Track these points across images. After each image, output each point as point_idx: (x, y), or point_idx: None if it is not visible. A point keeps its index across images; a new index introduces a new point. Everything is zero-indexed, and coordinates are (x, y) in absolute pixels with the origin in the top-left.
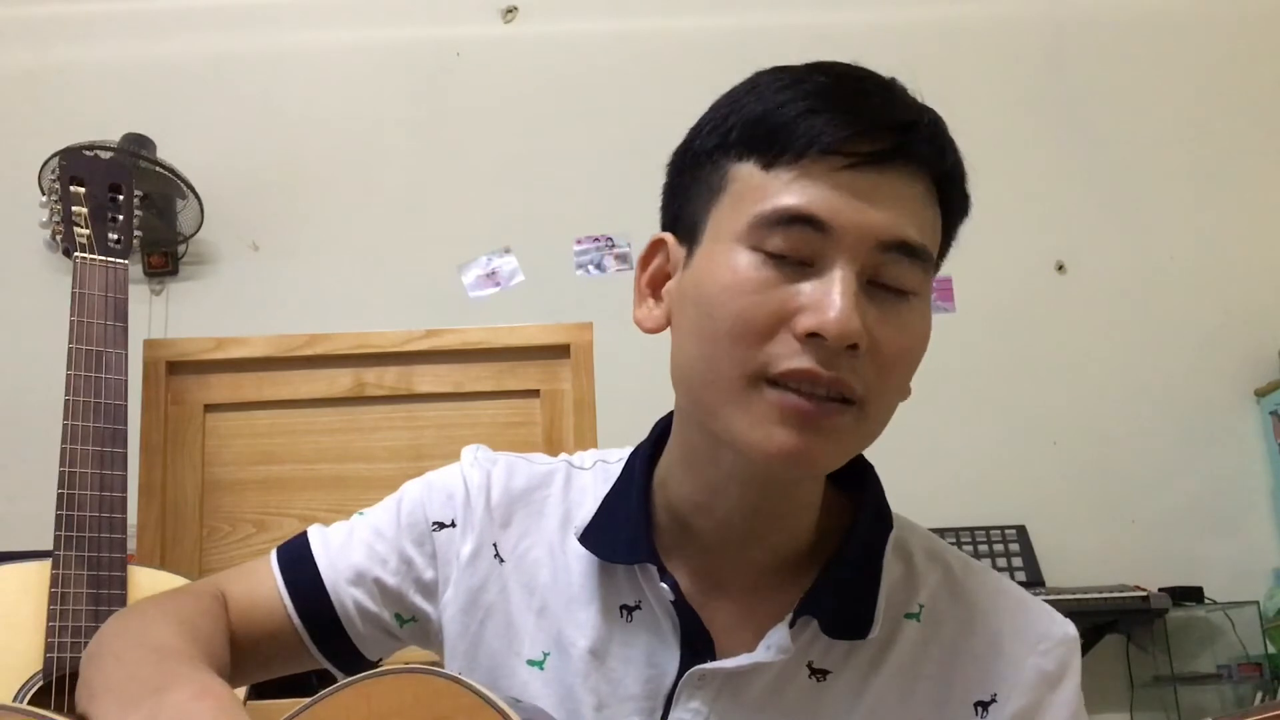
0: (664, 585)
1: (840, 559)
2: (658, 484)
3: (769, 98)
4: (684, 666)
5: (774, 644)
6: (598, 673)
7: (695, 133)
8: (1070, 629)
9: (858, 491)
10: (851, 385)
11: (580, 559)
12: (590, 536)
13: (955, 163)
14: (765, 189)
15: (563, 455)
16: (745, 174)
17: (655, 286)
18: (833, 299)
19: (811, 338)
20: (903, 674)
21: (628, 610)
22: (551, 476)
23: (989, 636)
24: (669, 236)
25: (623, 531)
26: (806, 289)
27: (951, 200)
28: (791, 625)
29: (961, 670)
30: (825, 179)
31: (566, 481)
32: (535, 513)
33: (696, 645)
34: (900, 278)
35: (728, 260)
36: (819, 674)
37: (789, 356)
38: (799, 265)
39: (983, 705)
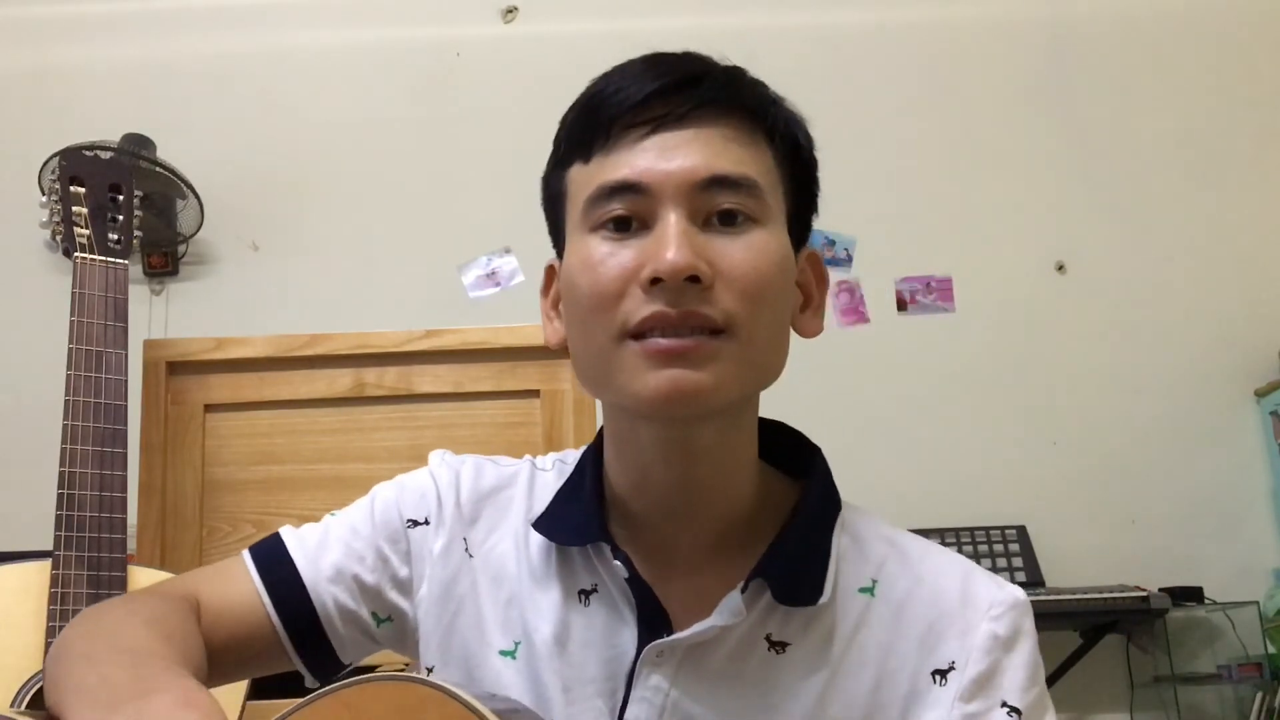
0: (617, 563)
1: (789, 531)
2: (605, 473)
3: (578, 103)
4: (642, 644)
5: (727, 609)
6: (561, 658)
7: (547, 163)
8: (1019, 594)
9: (805, 477)
10: (706, 315)
11: (540, 549)
12: (544, 523)
13: (760, 99)
14: (590, 178)
15: (527, 457)
16: (575, 174)
17: (556, 307)
18: (662, 243)
19: (654, 284)
20: (860, 646)
21: (585, 594)
22: (516, 477)
23: (942, 607)
24: (556, 260)
25: (576, 517)
26: (643, 244)
27: (774, 131)
28: (744, 591)
29: (918, 641)
30: (633, 149)
31: (530, 480)
32: (502, 509)
33: (653, 622)
34: (730, 207)
35: (577, 249)
36: (778, 646)
37: (639, 307)
38: (634, 232)
39: (941, 673)
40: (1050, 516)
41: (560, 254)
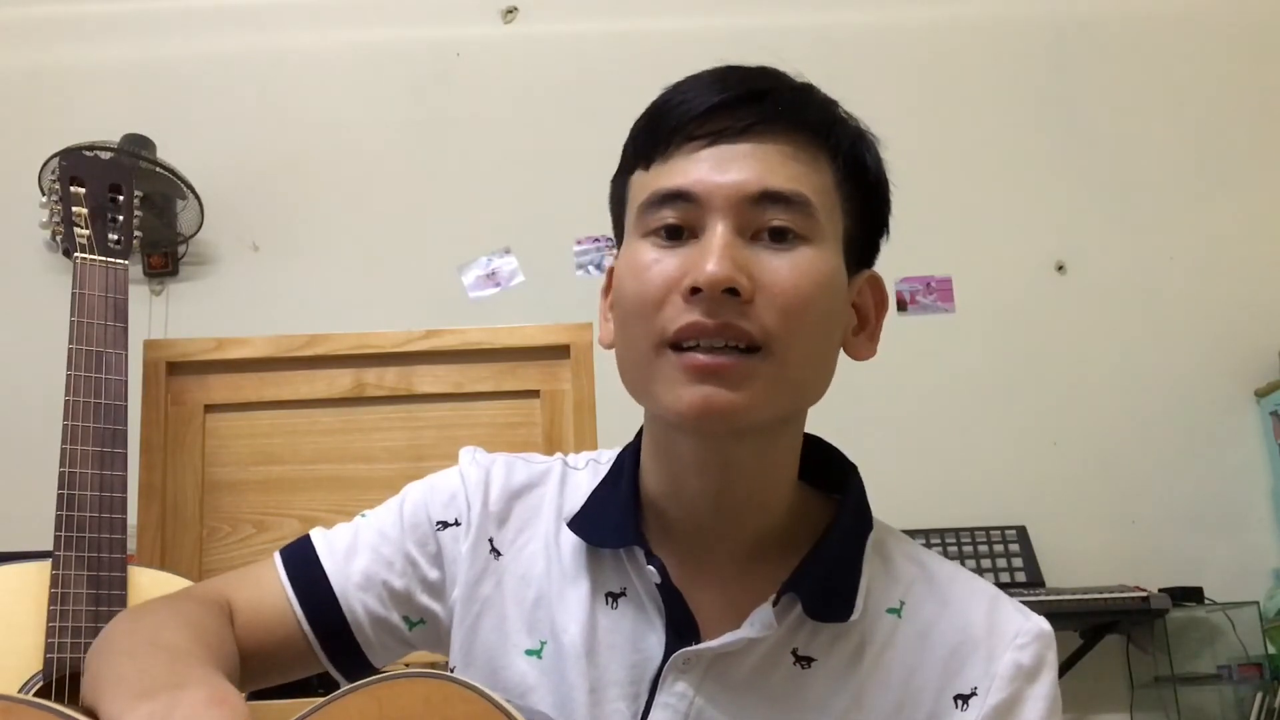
0: (650, 567)
1: (821, 548)
2: (642, 477)
3: (647, 110)
4: (669, 650)
5: (759, 621)
6: (587, 659)
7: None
8: (1045, 625)
9: (839, 494)
10: (743, 329)
11: (571, 549)
12: (579, 522)
13: (825, 118)
14: (646, 184)
15: (558, 455)
16: (636, 179)
17: (613, 307)
18: (705, 254)
19: (694, 294)
20: (884, 666)
21: (613, 597)
22: (548, 475)
23: (967, 632)
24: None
25: (611, 518)
26: (687, 255)
27: (838, 150)
28: (775, 604)
29: (942, 664)
30: (691, 159)
31: (562, 480)
32: (532, 509)
33: (682, 629)
34: (780, 223)
35: (628, 254)
36: (804, 661)
37: (678, 315)
38: (683, 241)
39: (963, 699)
40: (1050, 516)
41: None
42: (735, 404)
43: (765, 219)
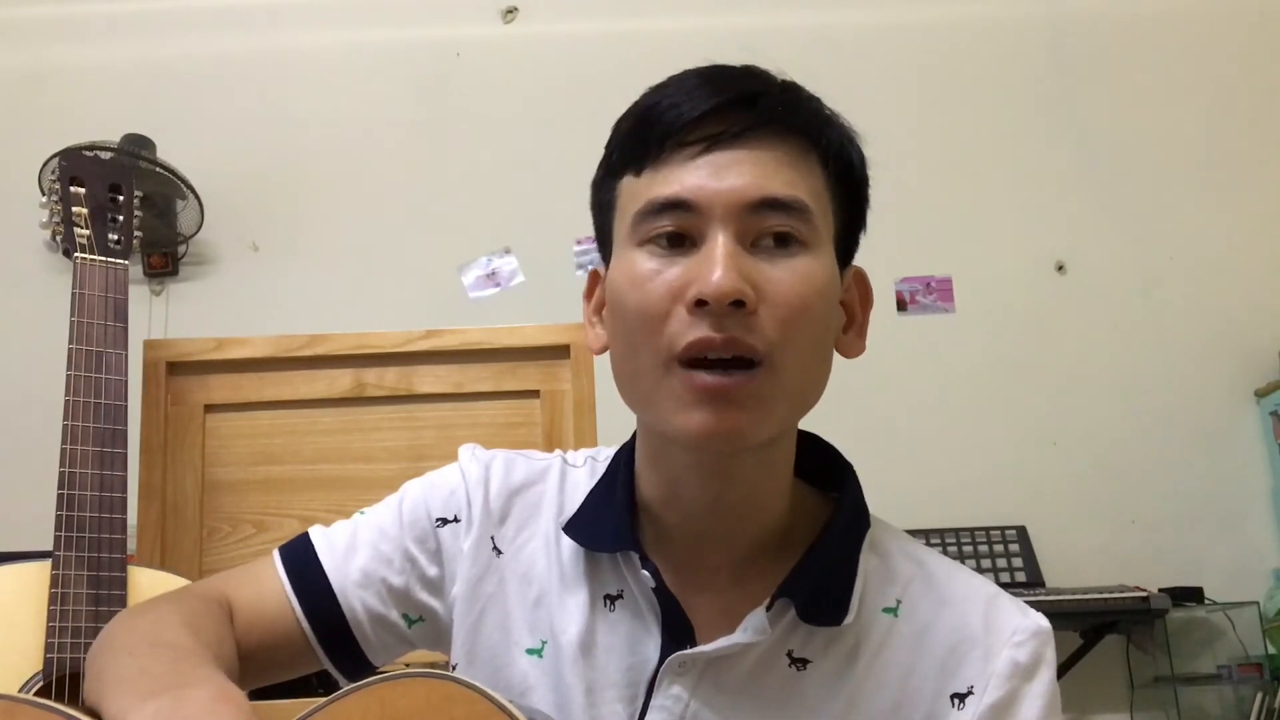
0: (645, 572)
1: (817, 550)
2: (638, 482)
3: (633, 114)
4: (665, 653)
5: (752, 626)
6: (585, 660)
7: (597, 169)
8: (1043, 621)
9: (836, 492)
10: (748, 342)
11: (570, 550)
12: (575, 526)
13: (815, 120)
14: (640, 191)
15: (558, 452)
16: (626, 185)
17: (599, 313)
18: (709, 265)
19: (700, 306)
20: (881, 666)
21: (610, 599)
22: (547, 472)
23: (964, 631)
24: (601, 266)
25: (607, 522)
26: (690, 265)
27: (829, 153)
28: (769, 609)
29: (938, 663)
30: (687, 166)
31: (561, 477)
32: (532, 506)
33: (677, 633)
34: (780, 230)
35: (624, 263)
36: (799, 663)
37: (685, 330)
38: (684, 249)
39: (959, 697)
40: (1050, 516)
41: (606, 261)
42: (740, 427)
43: (765, 226)
